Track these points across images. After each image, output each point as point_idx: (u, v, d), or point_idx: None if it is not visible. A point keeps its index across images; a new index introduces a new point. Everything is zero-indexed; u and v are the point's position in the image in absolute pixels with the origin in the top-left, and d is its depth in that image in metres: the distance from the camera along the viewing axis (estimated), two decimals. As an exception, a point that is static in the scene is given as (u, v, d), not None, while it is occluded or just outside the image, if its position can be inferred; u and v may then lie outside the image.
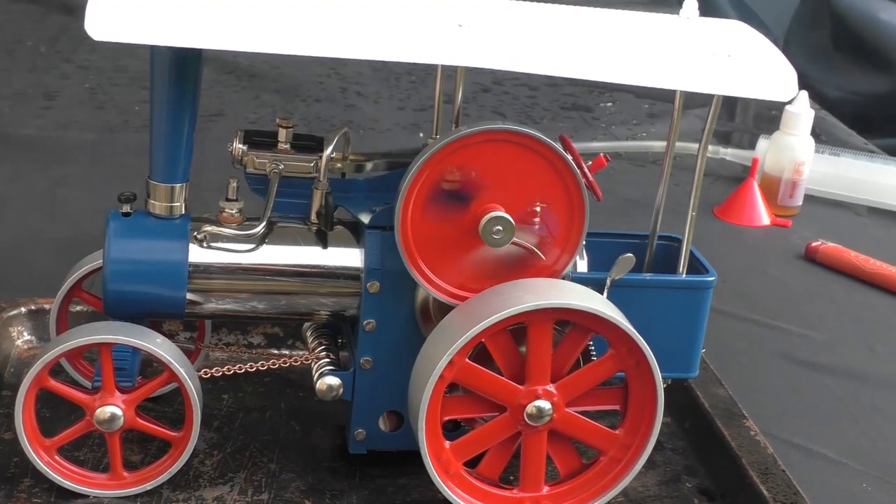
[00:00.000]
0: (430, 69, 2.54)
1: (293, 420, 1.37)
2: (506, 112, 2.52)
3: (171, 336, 1.33)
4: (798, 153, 2.11)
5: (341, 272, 1.24)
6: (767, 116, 2.59)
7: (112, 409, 1.19)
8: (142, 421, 1.22)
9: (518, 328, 1.17)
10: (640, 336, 1.17)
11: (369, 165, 1.30)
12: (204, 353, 1.42)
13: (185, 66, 1.18)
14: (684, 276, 1.29)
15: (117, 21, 1.06)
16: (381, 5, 1.17)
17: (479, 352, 1.17)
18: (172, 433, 1.23)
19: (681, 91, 1.25)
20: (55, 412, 1.30)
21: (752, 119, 2.70)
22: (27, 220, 1.84)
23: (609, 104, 2.64)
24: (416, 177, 1.17)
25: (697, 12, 1.28)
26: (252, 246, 1.23)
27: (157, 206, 1.22)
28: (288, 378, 1.44)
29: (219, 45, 1.08)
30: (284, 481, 1.27)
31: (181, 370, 1.20)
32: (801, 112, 2.10)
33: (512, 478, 1.24)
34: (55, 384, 1.20)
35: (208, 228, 1.22)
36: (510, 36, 1.15)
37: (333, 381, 1.24)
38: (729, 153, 2.31)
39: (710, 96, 1.21)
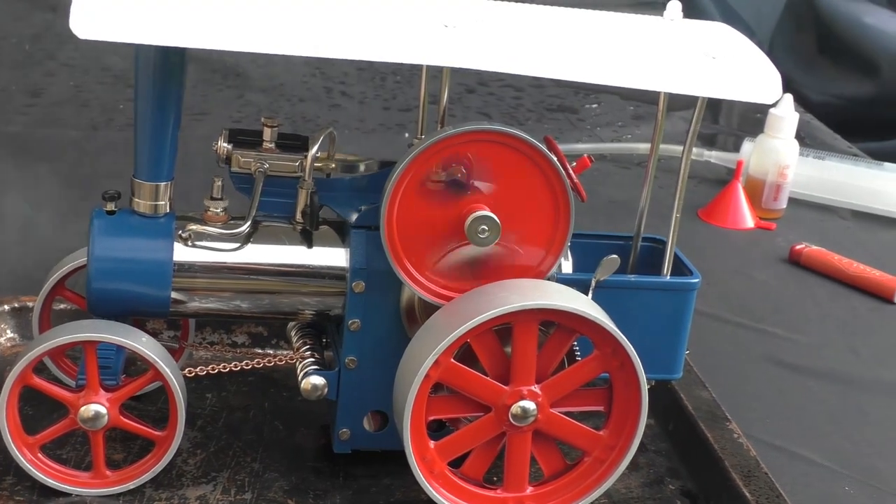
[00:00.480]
0: (415, 69, 2.55)
1: (277, 419, 1.37)
2: (491, 113, 2.52)
3: (154, 334, 1.33)
4: (782, 156, 2.12)
5: (326, 272, 1.25)
6: (752, 119, 2.60)
7: (96, 408, 1.19)
8: (126, 420, 1.22)
9: (503, 328, 1.17)
10: (624, 337, 1.18)
11: (362, 167, 1.30)
12: (188, 352, 1.42)
13: (169, 64, 1.18)
14: (668, 277, 1.30)
15: (102, 19, 1.05)
16: (366, 5, 1.17)
17: (465, 352, 1.18)
18: (156, 432, 1.23)
19: (665, 93, 1.26)
20: (37, 410, 1.30)
21: (736, 122, 2.71)
22: (10, 218, 1.84)
23: (594, 106, 2.64)
24: (402, 176, 1.17)
25: (681, 14, 1.28)
26: (237, 245, 1.23)
27: (142, 204, 1.22)
28: (272, 377, 1.44)
29: (204, 45, 1.08)
30: (268, 481, 1.27)
31: (166, 369, 1.20)
32: (786, 115, 2.11)
33: (496, 478, 1.25)
34: (39, 382, 1.20)
35: (193, 227, 1.22)
36: (496, 37, 1.15)
37: (318, 380, 1.24)
38: (713, 155, 2.32)
39: (695, 98, 1.22)
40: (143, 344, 1.20)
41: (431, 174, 1.17)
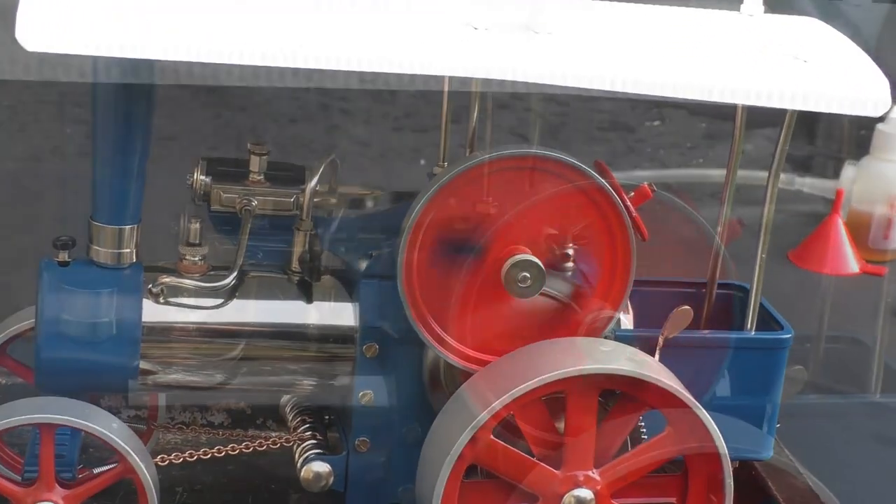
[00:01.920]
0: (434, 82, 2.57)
1: (265, 519, 1.39)
2: (528, 133, 2.54)
3: (113, 412, 1.33)
4: (894, 183, 2.13)
5: (330, 332, 1.26)
6: (855, 138, 2.61)
7: (49, 508, 1.18)
8: (84, 526, 1.21)
9: (553, 399, 1.18)
10: (703, 410, 1.18)
11: (370, 201, 1.32)
12: (156, 436, 1.43)
13: (137, 81, 1.20)
14: (753, 333, 1.31)
15: (57, 28, 1.07)
16: (375, 3, 1.19)
17: (503, 429, 1.18)
18: (122, 543, 1.23)
19: (743, 106, 1.28)
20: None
21: (836, 141, 2.72)
22: (-67, 272, 1.86)
23: (656, 123, 2.66)
24: (423, 214, 1.19)
25: (762, 7, 1.28)
26: (220, 301, 1.25)
27: (102, 252, 1.24)
28: (257, 465, 1.45)
29: (177, 56, 1.09)
30: None
31: (141, 464, 1.19)
32: (897, 132, 2.13)
33: (543, 587, 1.26)
34: (-19, 472, 1.20)
35: (166, 280, 1.23)
36: (534, 41, 1.16)
37: (322, 467, 1.25)
38: (807, 183, 2.33)
39: (782, 113, 1.23)
40: (114, 431, 1.19)
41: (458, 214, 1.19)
